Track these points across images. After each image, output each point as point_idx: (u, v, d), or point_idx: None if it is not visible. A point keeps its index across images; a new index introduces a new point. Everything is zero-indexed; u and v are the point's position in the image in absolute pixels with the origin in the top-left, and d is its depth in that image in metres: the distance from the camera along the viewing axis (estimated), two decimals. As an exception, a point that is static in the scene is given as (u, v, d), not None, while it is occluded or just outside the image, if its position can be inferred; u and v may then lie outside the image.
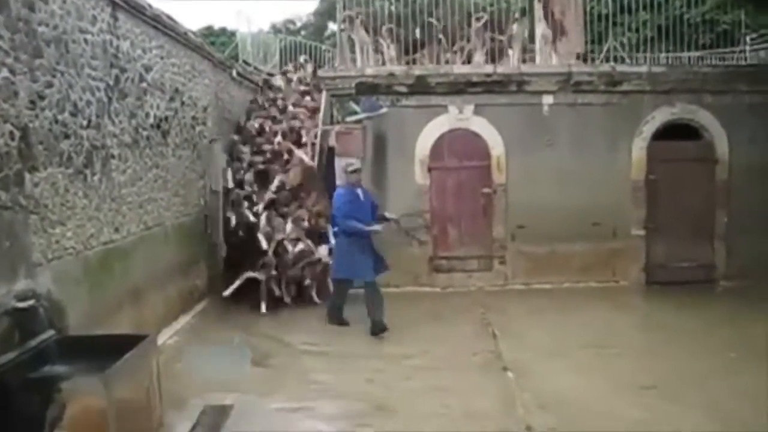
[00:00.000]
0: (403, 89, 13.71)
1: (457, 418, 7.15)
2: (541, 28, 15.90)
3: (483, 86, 13.73)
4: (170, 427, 6.82)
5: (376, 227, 10.79)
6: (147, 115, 10.65)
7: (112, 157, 9.24)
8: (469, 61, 15.50)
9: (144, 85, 10.54)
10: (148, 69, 10.68)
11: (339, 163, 13.67)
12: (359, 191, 10.97)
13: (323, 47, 23.69)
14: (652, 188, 13.83)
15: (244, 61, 19.69)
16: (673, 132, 13.93)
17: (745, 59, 19.39)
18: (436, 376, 8.42)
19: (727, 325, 10.55)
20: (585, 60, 15.49)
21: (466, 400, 7.64)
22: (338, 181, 13.62)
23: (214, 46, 18.46)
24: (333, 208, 11.25)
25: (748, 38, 20.02)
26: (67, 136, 7.88)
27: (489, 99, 13.76)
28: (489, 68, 14.10)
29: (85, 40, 8.49)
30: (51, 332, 6.71)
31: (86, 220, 8.34)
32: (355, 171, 11.04)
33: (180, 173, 12.12)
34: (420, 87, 13.71)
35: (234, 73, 16.15)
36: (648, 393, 7.83)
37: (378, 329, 10.28)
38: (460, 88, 13.74)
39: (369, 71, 14.03)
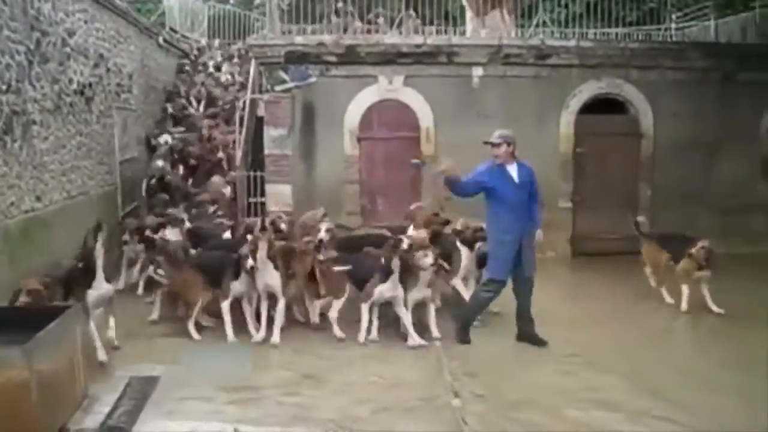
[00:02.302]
0: (333, 59, 13.60)
1: (387, 387, 7.16)
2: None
3: (413, 57, 13.69)
4: (95, 399, 6.69)
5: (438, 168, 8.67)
6: (70, 80, 10.44)
7: (34, 123, 9.04)
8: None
9: (67, 49, 10.31)
10: (71, 33, 10.44)
11: (268, 132, 13.55)
12: (510, 168, 8.51)
13: (253, 15, 23.38)
14: (579, 161, 14.00)
15: (171, 29, 19.39)
16: (600, 106, 14.10)
17: (671, 36, 19.71)
18: (366, 346, 8.40)
19: (649, 296, 10.72)
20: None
21: (396, 368, 7.66)
22: (266, 151, 13.53)
23: (140, 12, 18.12)
24: None
25: (673, 16, 20.35)
26: (-16, 101, 7.67)
27: (419, 70, 13.74)
28: (419, 39, 14.08)
29: (3, 1, 8.25)
30: (-31, 302, 6.56)
31: (6, 188, 8.16)
32: (494, 145, 8.55)
33: (105, 141, 11.91)
34: (350, 57, 13.61)
35: (161, 40, 15.91)
36: (572, 361, 7.97)
37: (463, 336, 8.65)
38: (390, 58, 13.67)
39: (298, 40, 13.86)
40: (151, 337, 8.73)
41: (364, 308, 8.51)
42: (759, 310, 9.77)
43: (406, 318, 8.47)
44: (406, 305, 8.50)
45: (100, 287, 7.63)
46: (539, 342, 8.47)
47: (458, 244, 9.47)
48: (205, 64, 19.51)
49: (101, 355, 7.55)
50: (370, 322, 8.58)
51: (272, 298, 8.67)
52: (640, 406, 6.68)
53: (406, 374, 7.53)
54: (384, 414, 6.51)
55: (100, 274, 7.60)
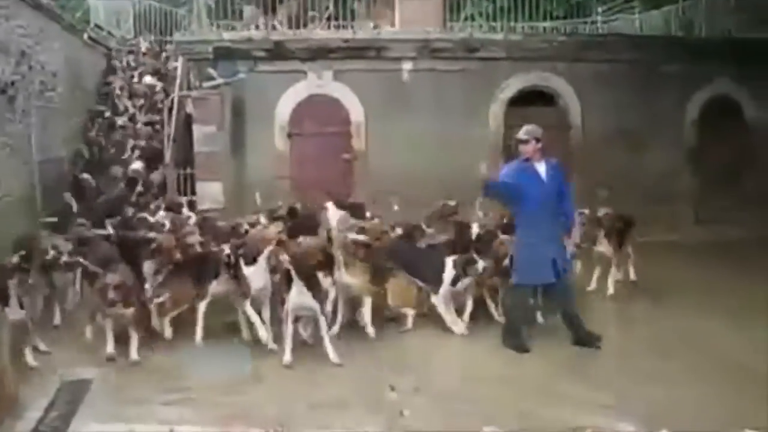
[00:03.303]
0: (262, 54, 13.51)
1: (322, 383, 7.14)
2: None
3: (342, 52, 13.68)
4: (25, 406, 6.50)
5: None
6: (-8, 79, 10.19)
7: (-46, 122, 8.80)
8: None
9: (-14, 47, 10.06)
10: (-10, 30, 10.19)
11: (197, 130, 13.39)
12: (538, 166, 8.04)
13: (180, 12, 23.05)
14: (509, 153, 14.06)
15: (97, 26, 19.07)
16: (529, 98, 14.23)
17: (597, 30, 20.00)
18: (300, 343, 8.31)
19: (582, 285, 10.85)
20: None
21: (330, 364, 7.59)
22: (195, 148, 13.36)
23: (64, 9, 17.77)
24: None
25: (599, 9, 20.65)
26: None
27: (348, 65, 13.74)
28: (347, 34, 14.07)
29: None
30: None
31: (-73, 190, 7.92)
32: (522, 141, 8.10)
33: (29, 141, 11.65)
34: (278, 52, 13.53)
35: (86, 37, 15.64)
36: (511, 351, 8.00)
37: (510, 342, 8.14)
38: (318, 53, 13.64)
39: (226, 36, 13.75)
40: (82, 339, 8.53)
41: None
42: (685, 295, 10.00)
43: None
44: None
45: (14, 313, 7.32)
46: (595, 340, 8.06)
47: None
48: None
49: (30, 360, 7.36)
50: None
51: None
52: (578, 393, 6.78)
53: (341, 369, 7.48)
54: (321, 410, 6.48)
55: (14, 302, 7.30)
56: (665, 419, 6.06)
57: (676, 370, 7.35)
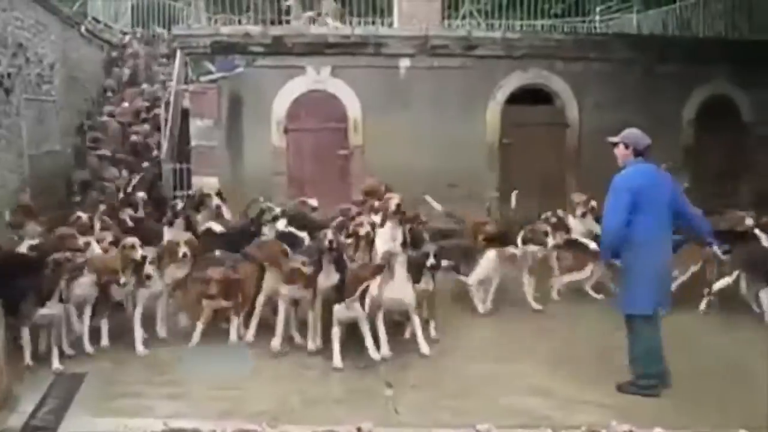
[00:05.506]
0: (260, 49, 13.47)
1: (317, 378, 7.17)
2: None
3: (340, 48, 13.64)
4: (19, 400, 6.48)
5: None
6: (-13, 71, 10.16)
7: (-51, 114, 8.77)
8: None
9: (-18, 39, 10.04)
10: (-14, 22, 10.17)
11: (193, 124, 13.37)
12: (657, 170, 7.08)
13: (177, 5, 22.98)
14: (506, 151, 14.10)
15: (94, 18, 19.01)
16: (526, 97, 14.22)
17: (595, 29, 20.02)
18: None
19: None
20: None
21: (327, 360, 7.60)
22: (192, 142, 13.33)
23: (61, 2, 17.74)
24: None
25: (597, 9, 20.68)
26: None
27: (346, 61, 13.69)
28: (347, 30, 14.04)
29: None
30: None
31: None
32: (612, 144, 7.25)
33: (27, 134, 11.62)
34: (277, 47, 13.50)
35: (83, 30, 15.61)
36: (510, 348, 8.04)
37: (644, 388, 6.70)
38: (317, 49, 13.60)
39: (224, 30, 13.71)
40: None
41: None
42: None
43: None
44: None
45: (53, 308, 7.29)
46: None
47: None
48: None
49: (27, 357, 7.31)
50: None
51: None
52: (570, 392, 6.78)
53: (337, 366, 7.49)
54: (316, 405, 6.48)
55: (56, 297, 7.27)
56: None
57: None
